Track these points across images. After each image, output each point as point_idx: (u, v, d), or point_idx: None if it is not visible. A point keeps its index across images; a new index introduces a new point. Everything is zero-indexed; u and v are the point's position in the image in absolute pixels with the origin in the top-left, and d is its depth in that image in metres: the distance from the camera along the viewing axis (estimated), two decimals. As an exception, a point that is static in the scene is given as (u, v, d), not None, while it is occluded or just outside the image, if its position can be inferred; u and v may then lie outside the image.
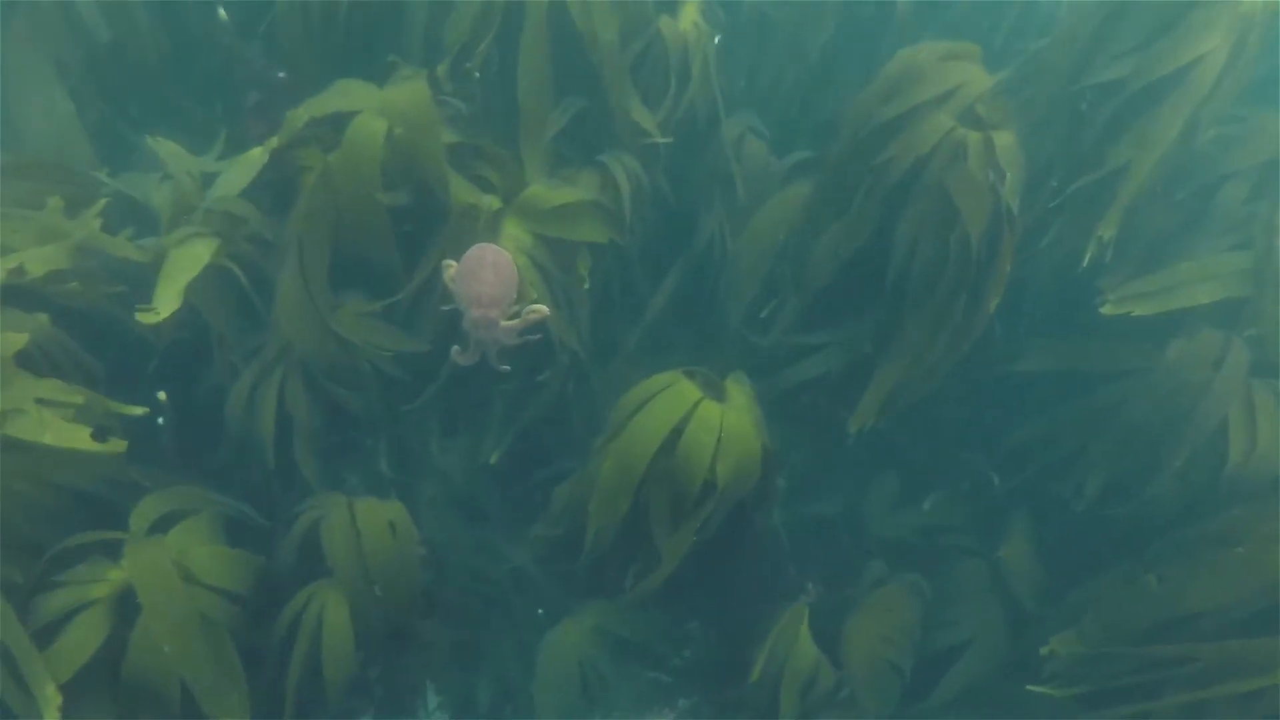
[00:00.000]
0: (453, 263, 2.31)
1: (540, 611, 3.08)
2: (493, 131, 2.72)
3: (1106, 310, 2.63)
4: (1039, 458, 2.91)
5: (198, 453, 2.56)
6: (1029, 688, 2.55)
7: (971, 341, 2.48)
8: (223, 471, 2.58)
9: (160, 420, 2.36)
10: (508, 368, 2.36)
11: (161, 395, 2.33)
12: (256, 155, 2.39)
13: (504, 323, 2.28)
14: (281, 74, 2.70)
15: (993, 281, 2.43)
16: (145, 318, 2.10)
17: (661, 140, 2.71)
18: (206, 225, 2.39)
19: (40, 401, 1.94)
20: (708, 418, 2.35)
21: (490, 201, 2.56)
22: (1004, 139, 2.44)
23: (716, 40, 2.88)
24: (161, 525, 2.20)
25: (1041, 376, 2.89)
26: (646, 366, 3.01)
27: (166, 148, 2.65)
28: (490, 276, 2.17)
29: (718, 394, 2.55)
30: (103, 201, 2.40)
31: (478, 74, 2.47)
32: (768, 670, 2.68)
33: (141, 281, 2.42)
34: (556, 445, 3.03)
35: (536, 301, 2.48)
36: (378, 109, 2.35)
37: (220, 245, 2.35)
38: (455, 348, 2.32)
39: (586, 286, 2.62)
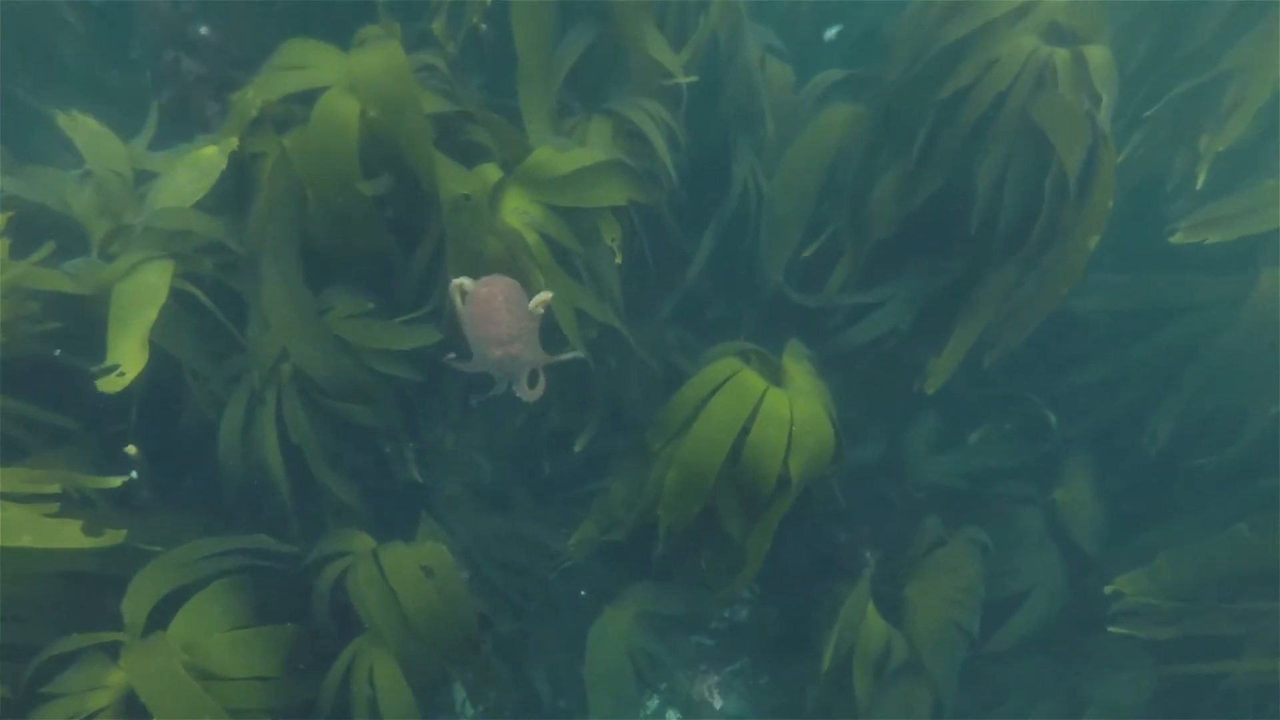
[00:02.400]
0: (464, 281, 1.94)
1: (583, 593, 2.91)
2: (483, 78, 2.26)
3: (1177, 239, 2.38)
4: (1104, 399, 2.72)
5: (194, 498, 2.21)
6: (1111, 629, 2.46)
7: (1070, 287, 2.20)
8: (228, 514, 2.24)
9: (134, 474, 1.99)
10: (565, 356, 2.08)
11: (130, 449, 1.95)
12: (211, 158, 1.91)
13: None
14: (204, 29, 2.15)
15: (1091, 218, 2.12)
16: (108, 385, 1.70)
17: (686, 80, 2.27)
18: (151, 244, 1.94)
19: (7, 497, 1.57)
20: (776, 412, 2.08)
21: (488, 173, 2.15)
22: (1097, 55, 2.07)
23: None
24: (164, 606, 1.88)
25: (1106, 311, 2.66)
26: (683, 334, 2.72)
27: (83, 128, 2.14)
28: (505, 316, 1.90)
29: (775, 374, 2.27)
30: (4, 219, 1.91)
31: (484, 26, 1.98)
32: (837, 649, 2.55)
33: (78, 313, 1.99)
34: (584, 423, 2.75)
35: (545, 287, 2.15)
36: (345, 84, 1.88)
37: (175, 266, 1.91)
38: (473, 399, 2.01)
39: (619, 260, 2.26)
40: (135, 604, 1.84)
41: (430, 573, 1.96)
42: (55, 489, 1.63)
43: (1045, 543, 2.82)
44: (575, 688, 2.84)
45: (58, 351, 1.87)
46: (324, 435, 2.20)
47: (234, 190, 2.07)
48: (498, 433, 2.72)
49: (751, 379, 2.11)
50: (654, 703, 3.02)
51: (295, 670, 1.97)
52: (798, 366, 2.25)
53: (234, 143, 1.85)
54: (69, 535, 1.59)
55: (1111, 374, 2.68)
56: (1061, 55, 2.07)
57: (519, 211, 2.17)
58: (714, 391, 2.11)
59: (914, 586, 2.66)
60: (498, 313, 1.88)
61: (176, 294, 1.96)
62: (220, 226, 1.99)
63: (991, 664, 2.82)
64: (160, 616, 1.87)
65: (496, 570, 2.69)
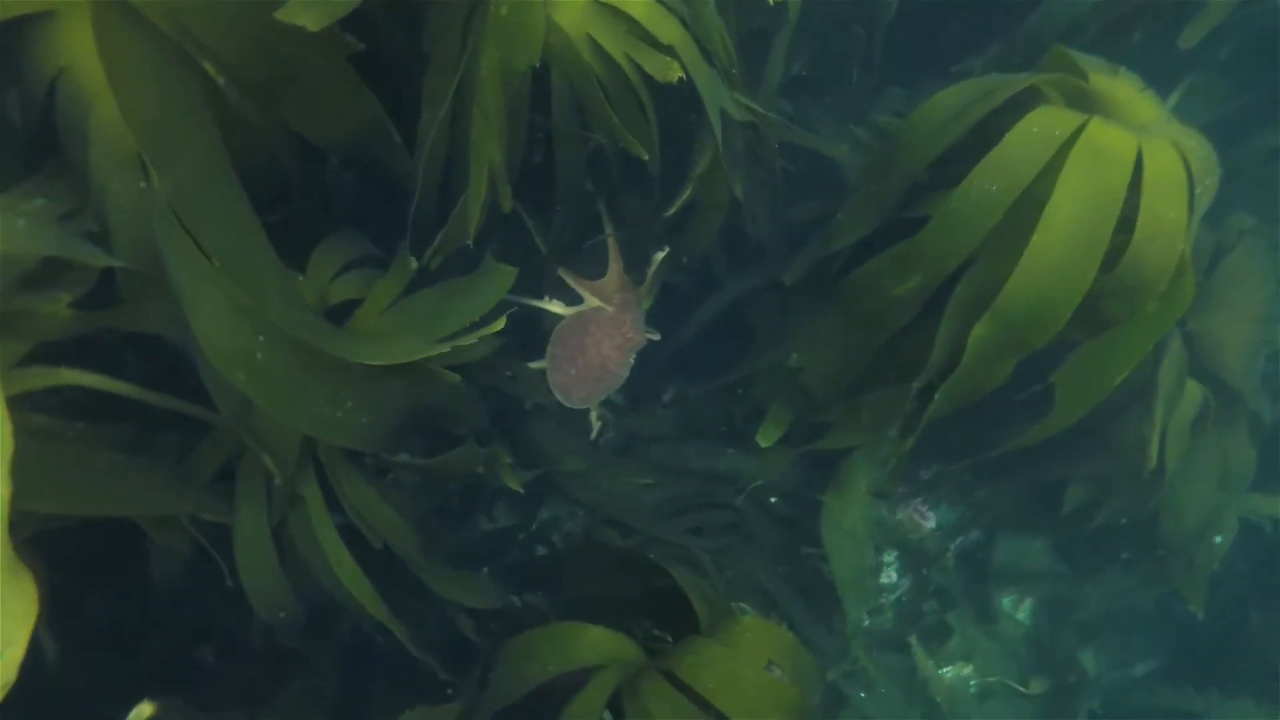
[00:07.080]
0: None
1: (773, 499, 2.20)
2: None
3: None
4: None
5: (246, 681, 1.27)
6: None
7: None
8: (311, 671, 1.33)
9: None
10: None
11: (144, 711, 0.98)
12: None
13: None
14: None
15: None
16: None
17: None
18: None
19: None
20: (1169, 176, 1.18)
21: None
22: None
23: None
24: None
25: None
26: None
27: None
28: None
29: (1088, 105, 1.32)
30: None
31: None
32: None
33: None
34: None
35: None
36: None
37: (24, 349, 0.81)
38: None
39: None
40: None
41: (773, 665, 1.13)
42: None
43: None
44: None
45: None
46: (404, 508, 1.23)
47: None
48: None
49: (1108, 134, 1.18)
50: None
51: None
52: (1118, 84, 1.31)
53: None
54: None
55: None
56: None
57: (574, 29, 1.08)
58: (1044, 172, 1.17)
59: (1205, 319, 1.97)
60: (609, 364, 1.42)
61: (35, 399, 0.88)
62: (46, 213, 0.86)
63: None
64: None
65: (664, 527, 1.90)
